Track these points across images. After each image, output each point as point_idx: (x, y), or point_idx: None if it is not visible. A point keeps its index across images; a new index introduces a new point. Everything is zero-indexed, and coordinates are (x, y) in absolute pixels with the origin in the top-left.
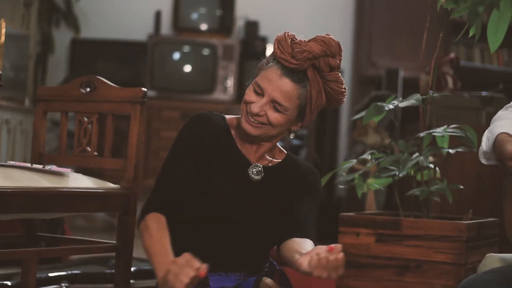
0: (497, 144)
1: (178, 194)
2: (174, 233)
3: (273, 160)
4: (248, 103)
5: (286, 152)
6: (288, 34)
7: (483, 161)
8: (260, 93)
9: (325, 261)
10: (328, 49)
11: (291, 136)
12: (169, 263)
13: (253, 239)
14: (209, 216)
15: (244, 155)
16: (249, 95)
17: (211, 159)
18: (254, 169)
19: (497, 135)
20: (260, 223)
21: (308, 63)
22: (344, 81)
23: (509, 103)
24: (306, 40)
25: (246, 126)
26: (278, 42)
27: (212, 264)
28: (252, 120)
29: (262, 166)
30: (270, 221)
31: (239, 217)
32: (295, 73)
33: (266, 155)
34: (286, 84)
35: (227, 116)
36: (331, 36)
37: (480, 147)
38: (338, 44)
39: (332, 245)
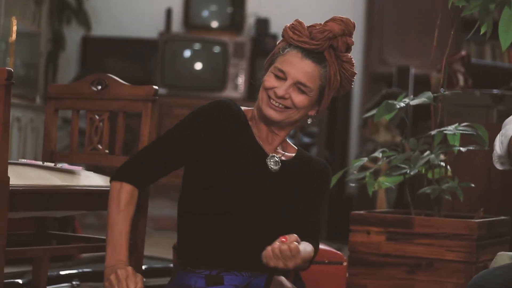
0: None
1: (163, 167)
2: (189, 228)
3: (286, 154)
4: (270, 88)
5: (297, 147)
6: (298, 21)
7: (498, 166)
8: (282, 77)
9: (278, 251)
10: (346, 28)
11: (309, 121)
12: (115, 263)
13: (270, 234)
14: (226, 208)
15: (261, 146)
16: (270, 81)
17: (224, 144)
18: (272, 160)
19: (511, 136)
20: (278, 216)
21: (327, 43)
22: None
23: None
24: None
25: (269, 112)
26: (292, 28)
27: (228, 262)
28: (276, 104)
29: (279, 159)
30: (287, 215)
31: (258, 208)
32: (315, 54)
33: (279, 148)
34: (308, 65)
35: (243, 108)
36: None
37: (494, 152)
38: (354, 24)
39: (286, 236)
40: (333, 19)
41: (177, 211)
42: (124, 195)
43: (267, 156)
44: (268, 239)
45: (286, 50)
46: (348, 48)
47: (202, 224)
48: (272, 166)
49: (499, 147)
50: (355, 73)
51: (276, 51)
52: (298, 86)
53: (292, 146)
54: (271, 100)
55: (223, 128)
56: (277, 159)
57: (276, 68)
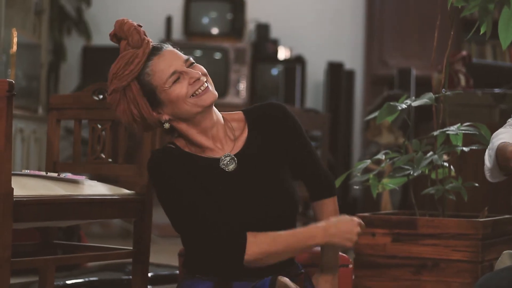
0: (499, 152)
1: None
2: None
3: (237, 139)
4: (186, 90)
5: (240, 111)
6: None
7: (490, 179)
8: (179, 76)
9: None
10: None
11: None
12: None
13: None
14: (221, 225)
15: (209, 156)
16: (177, 88)
17: (196, 183)
18: (224, 161)
19: (497, 145)
20: (273, 208)
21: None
22: None
23: None
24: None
25: (205, 99)
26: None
27: (236, 271)
28: (204, 86)
29: (231, 155)
30: (280, 200)
31: (251, 214)
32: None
33: (229, 134)
34: (169, 51)
35: (173, 142)
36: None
37: (485, 166)
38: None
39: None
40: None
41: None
42: (255, 240)
43: (219, 160)
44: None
45: (147, 71)
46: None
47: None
48: (227, 168)
49: (488, 160)
50: None
51: (122, 83)
52: (188, 63)
53: (237, 116)
54: (199, 89)
55: (185, 175)
56: (229, 158)
57: (168, 79)
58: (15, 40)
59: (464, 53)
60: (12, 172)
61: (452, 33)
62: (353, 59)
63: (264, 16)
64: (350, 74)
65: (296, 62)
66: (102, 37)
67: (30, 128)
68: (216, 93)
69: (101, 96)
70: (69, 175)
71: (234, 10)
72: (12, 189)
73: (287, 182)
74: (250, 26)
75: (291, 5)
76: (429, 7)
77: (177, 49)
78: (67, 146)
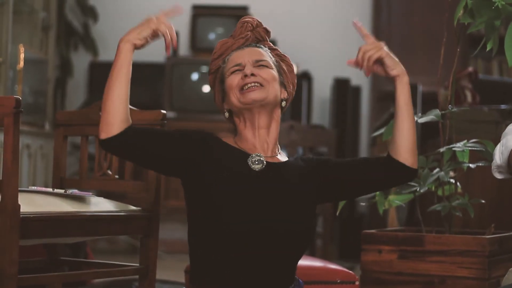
0: None
1: (155, 134)
2: (201, 257)
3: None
4: (237, 82)
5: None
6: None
7: (497, 175)
8: (240, 68)
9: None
10: (258, 20)
11: (283, 104)
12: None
13: (281, 244)
14: (230, 225)
15: (243, 149)
16: (234, 78)
17: (210, 159)
18: (253, 159)
19: None
20: (283, 219)
21: (251, 34)
22: None
23: None
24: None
25: (249, 96)
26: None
27: (244, 284)
28: (252, 84)
29: (263, 158)
30: (292, 215)
31: (259, 216)
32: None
33: (274, 148)
34: (252, 49)
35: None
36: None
37: (493, 161)
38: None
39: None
40: (244, 17)
41: (188, 244)
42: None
43: (248, 157)
44: (281, 251)
45: (226, 58)
46: (269, 36)
47: (214, 253)
48: (254, 166)
49: (499, 157)
50: (291, 64)
51: (215, 67)
52: (257, 64)
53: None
54: (246, 86)
55: (210, 146)
56: (259, 158)
57: (230, 68)
58: (22, 56)
59: (470, 69)
60: (19, 188)
61: (458, 49)
62: (359, 75)
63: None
64: (357, 90)
65: (303, 78)
66: (109, 53)
67: (36, 144)
68: (267, 96)
69: None
70: (76, 192)
71: None
72: (19, 205)
73: (308, 207)
74: None
75: (297, 21)
76: (436, 23)
77: (266, 48)
78: (74, 161)
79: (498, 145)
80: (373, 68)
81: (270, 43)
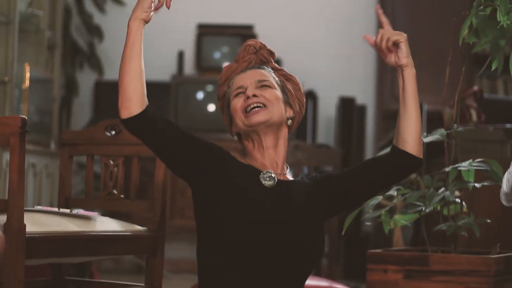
0: None
1: (174, 128)
2: (211, 275)
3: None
4: (240, 105)
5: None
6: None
7: (505, 203)
8: (242, 91)
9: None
10: (260, 43)
11: (288, 122)
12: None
13: (290, 258)
14: (239, 239)
15: (254, 166)
16: (237, 101)
17: (224, 174)
18: (265, 175)
19: None
20: (292, 234)
21: (254, 57)
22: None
23: None
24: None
25: (253, 118)
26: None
27: None
28: (254, 105)
29: (275, 175)
30: (301, 231)
31: (269, 231)
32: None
33: (282, 166)
34: (254, 70)
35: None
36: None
37: (501, 189)
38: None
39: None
40: (248, 40)
41: (197, 263)
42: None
43: (260, 174)
44: (291, 268)
45: (231, 82)
46: (273, 57)
47: (225, 269)
48: (265, 182)
49: (506, 185)
50: (298, 83)
51: (222, 93)
52: (260, 84)
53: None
54: (248, 107)
55: (226, 160)
56: (270, 175)
57: (234, 91)
58: (27, 75)
59: (475, 88)
60: (25, 208)
61: (463, 68)
62: (364, 93)
63: (275, 51)
64: (362, 109)
65: (308, 97)
66: (114, 72)
67: (42, 163)
68: (271, 117)
69: (113, 132)
70: (81, 211)
71: None
72: (25, 225)
73: (317, 224)
74: None
75: (302, 40)
76: (441, 43)
77: (269, 69)
78: (79, 180)
79: (506, 173)
80: (389, 50)
81: (275, 64)
